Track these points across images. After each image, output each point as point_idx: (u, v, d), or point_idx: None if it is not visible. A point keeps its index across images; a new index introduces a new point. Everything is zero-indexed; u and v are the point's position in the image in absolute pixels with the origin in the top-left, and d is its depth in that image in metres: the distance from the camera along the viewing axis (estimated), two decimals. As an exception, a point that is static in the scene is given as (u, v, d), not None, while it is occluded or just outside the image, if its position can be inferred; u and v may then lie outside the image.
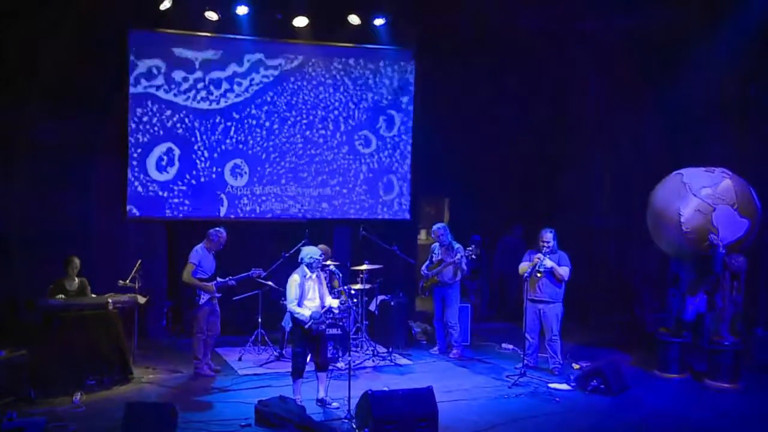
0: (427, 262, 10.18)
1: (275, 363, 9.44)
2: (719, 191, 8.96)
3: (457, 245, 9.89)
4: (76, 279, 8.97)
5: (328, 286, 9.36)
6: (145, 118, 10.65)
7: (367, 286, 9.82)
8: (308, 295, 7.70)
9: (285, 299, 9.57)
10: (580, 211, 12.61)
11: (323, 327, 7.83)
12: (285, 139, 11.35)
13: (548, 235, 9.15)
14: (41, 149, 10.25)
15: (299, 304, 7.65)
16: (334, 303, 7.97)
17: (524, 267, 9.23)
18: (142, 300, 9.20)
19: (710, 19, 10.41)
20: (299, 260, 7.85)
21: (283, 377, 8.76)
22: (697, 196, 8.97)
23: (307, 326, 7.64)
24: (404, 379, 8.92)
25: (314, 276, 7.77)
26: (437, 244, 10.11)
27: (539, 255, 9.09)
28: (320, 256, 7.84)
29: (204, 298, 8.83)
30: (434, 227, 10.21)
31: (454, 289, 10.03)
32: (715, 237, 8.82)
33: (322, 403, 7.80)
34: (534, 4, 11.18)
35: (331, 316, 9.33)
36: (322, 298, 7.84)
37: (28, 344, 8.05)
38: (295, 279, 7.70)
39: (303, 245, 9.87)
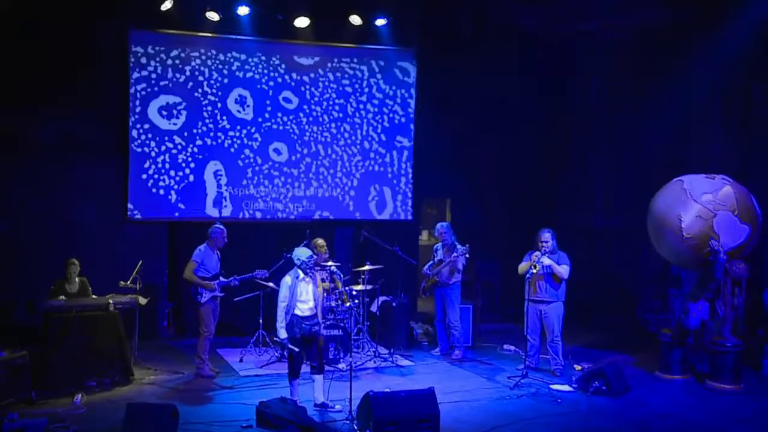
0: (430, 262, 10.18)
1: (276, 364, 9.41)
2: (720, 197, 8.95)
3: (459, 246, 9.87)
4: (77, 280, 8.97)
5: (330, 287, 9.36)
6: (145, 118, 10.64)
7: (369, 287, 9.80)
8: (301, 296, 7.64)
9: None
10: (581, 211, 12.61)
11: (317, 329, 7.75)
12: (286, 140, 11.33)
13: (546, 235, 9.14)
14: (41, 149, 10.24)
15: (290, 306, 7.60)
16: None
17: (523, 266, 9.23)
18: (143, 301, 9.19)
19: (712, 19, 10.40)
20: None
21: (285, 378, 8.70)
22: (698, 201, 8.95)
23: (277, 338, 7.70)
24: (406, 380, 8.91)
25: (308, 278, 7.71)
26: (440, 243, 10.11)
27: (536, 253, 9.09)
28: (309, 258, 7.73)
29: (206, 296, 8.81)
30: (437, 226, 10.21)
31: (454, 289, 10.01)
32: (716, 243, 8.79)
33: (322, 406, 7.76)
34: (534, 4, 11.17)
35: (332, 317, 9.34)
36: (316, 300, 7.78)
37: (28, 345, 8.03)
38: (286, 281, 7.66)
39: (303, 246, 9.91)
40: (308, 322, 7.67)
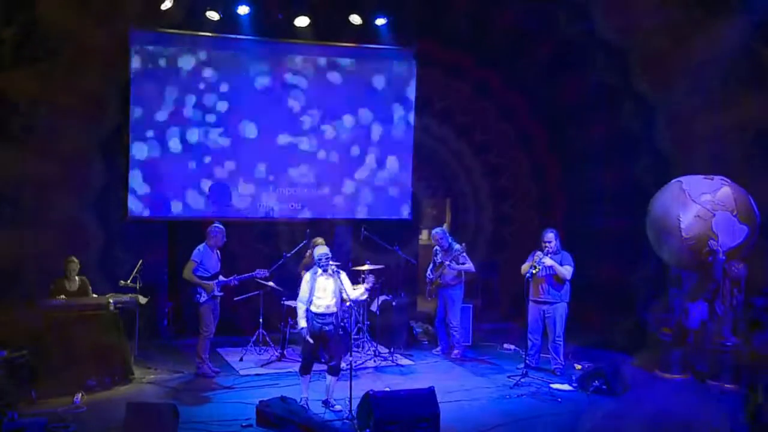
0: (431, 266, 10.20)
1: (276, 363, 9.43)
2: (718, 197, 8.97)
3: (456, 246, 9.89)
4: (77, 279, 8.98)
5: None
6: (145, 117, 10.64)
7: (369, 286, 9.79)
8: (317, 293, 7.64)
9: (285, 299, 9.72)
10: (581, 211, 12.58)
11: (328, 329, 7.65)
12: (286, 139, 11.33)
13: (549, 235, 9.15)
14: (41, 149, 10.22)
15: (309, 301, 7.63)
16: (357, 292, 7.89)
17: (526, 267, 9.23)
18: (143, 300, 9.21)
19: (711, 19, 10.39)
20: None
21: (285, 377, 8.78)
22: (697, 201, 8.96)
23: (299, 331, 7.72)
24: (406, 380, 8.92)
25: (326, 275, 7.66)
26: (438, 247, 10.13)
27: (539, 253, 9.09)
28: (322, 255, 7.68)
29: (205, 295, 8.81)
30: (433, 232, 10.32)
31: (458, 290, 10.06)
32: (715, 243, 8.79)
33: (326, 404, 7.77)
34: (535, 4, 11.17)
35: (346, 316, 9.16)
36: (337, 298, 7.69)
37: (29, 345, 8.03)
38: (305, 277, 7.75)
39: (303, 245, 9.94)
40: (320, 320, 7.62)
